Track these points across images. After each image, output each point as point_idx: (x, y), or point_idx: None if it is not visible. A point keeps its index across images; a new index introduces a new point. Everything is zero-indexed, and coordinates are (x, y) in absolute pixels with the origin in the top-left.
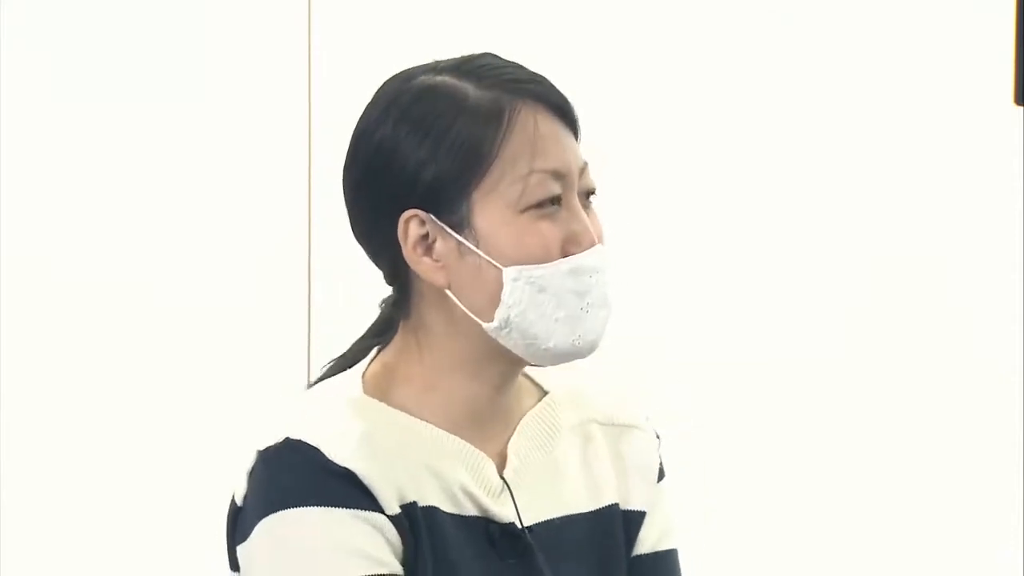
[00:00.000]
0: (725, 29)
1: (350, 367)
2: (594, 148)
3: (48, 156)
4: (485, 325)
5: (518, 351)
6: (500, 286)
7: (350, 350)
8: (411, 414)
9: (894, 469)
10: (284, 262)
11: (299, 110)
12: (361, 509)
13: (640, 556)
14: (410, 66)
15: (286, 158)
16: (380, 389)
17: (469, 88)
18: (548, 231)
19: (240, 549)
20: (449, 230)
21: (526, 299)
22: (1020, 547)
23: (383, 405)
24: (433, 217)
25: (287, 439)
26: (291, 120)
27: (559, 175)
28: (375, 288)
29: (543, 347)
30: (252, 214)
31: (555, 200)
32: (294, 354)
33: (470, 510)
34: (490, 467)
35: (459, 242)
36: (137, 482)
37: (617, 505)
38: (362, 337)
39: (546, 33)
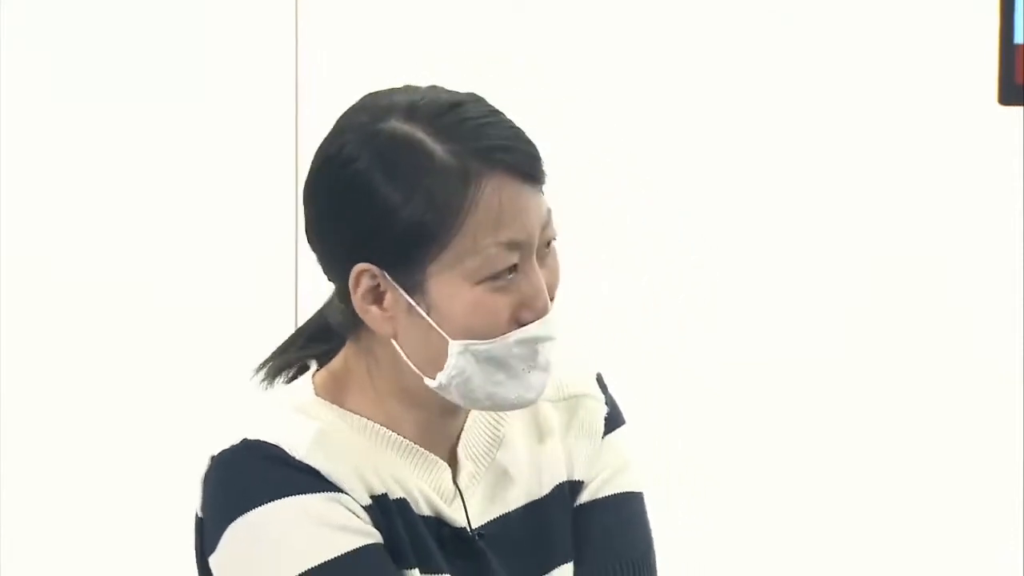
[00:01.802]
0: (725, 29)
1: (285, 370)
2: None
3: (46, 156)
4: (426, 380)
5: (456, 402)
6: (445, 353)
7: (284, 351)
8: (364, 418)
9: (894, 469)
10: (272, 260)
11: (286, 110)
12: (332, 492)
13: (579, 506)
14: (392, 88)
15: (275, 158)
16: (332, 394)
17: (438, 150)
18: (500, 304)
19: (212, 560)
20: (401, 291)
21: (469, 368)
22: (1020, 547)
23: (337, 407)
24: (386, 274)
25: (244, 440)
26: (279, 120)
27: (517, 244)
28: None
29: (482, 403)
30: (241, 213)
31: (511, 269)
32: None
33: (425, 511)
34: (445, 472)
35: (410, 304)
36: (131, 481)
37: (566, 482)
38: (293, 339)
39: (538, 32)
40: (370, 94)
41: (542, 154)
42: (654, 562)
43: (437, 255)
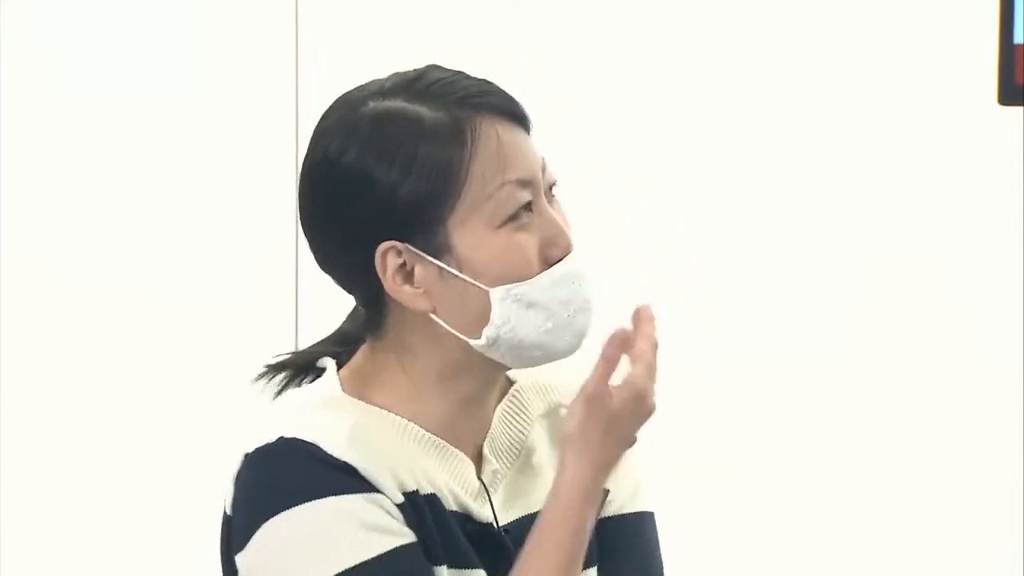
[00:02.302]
0: (725, 29)
1: (302, 374)
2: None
3: (46, 156)
4: (473, 342)
5: (506, 361)
6: (487, 306)
7: (300, 356)
8: (392, 413)
9: (894, 469)
10: (272, 260)
11: (286, 110)
12: (369, 492)
13: (608, 518)
14: (353, 88)
15: (275, 158)
16: (358, 390)
17: (423, 111)
18: (526, 243)
19: (240, 558)
20: (428, 257)
21: (515, 317)
22: (1020, 547)
23: (363, 403)
24: (410, 246)
25: (281, 438)
26: (279, 120)
27: (526, 183)
28: None
29: (532, 355)
30: (241, 213)
31: (527, 208)
32: (281, 351)
33: (452, 506)
34: (469, 469)
35: (440, 268)
36: (130, 481)
37: None
38: (318, 344)
39: (538, 32)
40: (335, 101)
41: (542, 154)
42: None
43: (452, 210)
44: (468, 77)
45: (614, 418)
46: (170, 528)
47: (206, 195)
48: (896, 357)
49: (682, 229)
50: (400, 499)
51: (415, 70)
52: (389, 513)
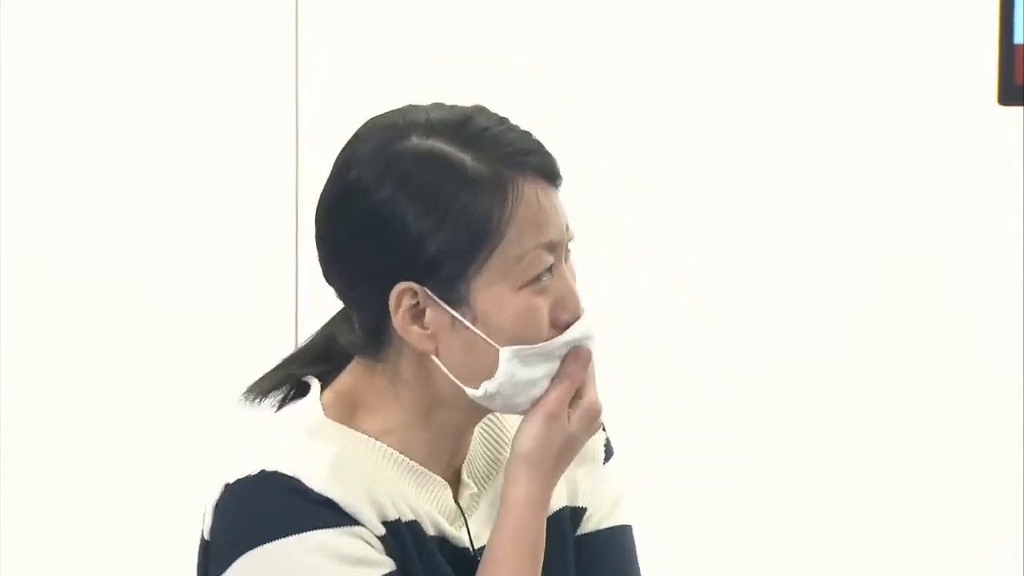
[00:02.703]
0: (725, 29)
1: (279, 387)
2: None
3: (46, 156)
4: (469, 391)
5: (495, 409)
6: (492, 361)
7: (282, 369)
8: (373, 439)
9: (894, 469)
10: (272, 261)
11: (286, 110)
12: (349, 526)
13: (585, 535)
14: (394, 110)
15: (275, 159)
16: (341, 414)
17: (467, 160)
18: (542, 306)
19: None
20: (445, 305)
21: (517, 372)
22: (1020, 547)
23: (346, 428)
24: (428, 291)
25: (262, 471)
26: (279, 120)
27: (555, 246)
28: None
29: (523, 408)
30: (241, 214)
31: (549, 270)
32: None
33: (430, 531)
34: (447, 493)
35: (453, 317)
36: (129, 481)
37: (567, 507)
38: (292, 358)
39: (538, 32)
40: (368, 122)
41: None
42: None
43: (482, 266)
44: (512, 129)
45: (571, 438)
46: (170, 526)
47: (206, 195)
48: (896, 357)
49: (682, 229)
50: (381, 531)
51: (462, 111)
52: (369, 544)
